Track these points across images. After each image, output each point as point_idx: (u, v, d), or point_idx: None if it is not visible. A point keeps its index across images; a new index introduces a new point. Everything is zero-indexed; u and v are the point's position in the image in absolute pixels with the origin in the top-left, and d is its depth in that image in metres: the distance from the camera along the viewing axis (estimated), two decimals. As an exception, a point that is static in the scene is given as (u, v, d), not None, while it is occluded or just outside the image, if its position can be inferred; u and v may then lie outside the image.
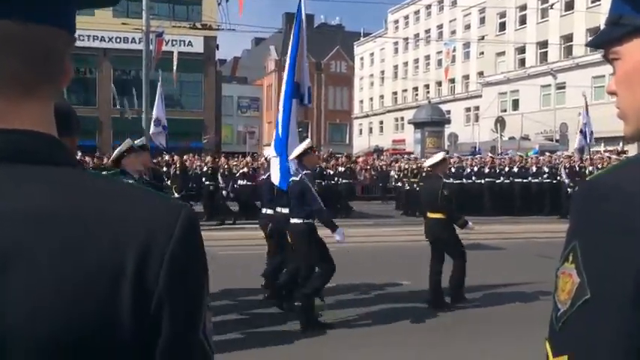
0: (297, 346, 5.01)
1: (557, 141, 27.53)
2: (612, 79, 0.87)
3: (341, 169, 18.59)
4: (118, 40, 30.16)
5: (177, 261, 0.67)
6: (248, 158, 19.53)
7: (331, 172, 18.04)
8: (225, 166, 18.63)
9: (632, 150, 18.63)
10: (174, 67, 25.32)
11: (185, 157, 20.99)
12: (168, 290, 0.66)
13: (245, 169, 17.16)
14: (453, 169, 16.78)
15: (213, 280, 0.73)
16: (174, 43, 26.92)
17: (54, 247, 0.64)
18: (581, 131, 14.62)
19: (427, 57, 47.45)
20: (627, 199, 0.70)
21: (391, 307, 6.19)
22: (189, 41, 30.80)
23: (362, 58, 57.76)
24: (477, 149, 25.54)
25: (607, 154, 17.69)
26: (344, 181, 18.08)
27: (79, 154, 16.46)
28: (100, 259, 0.65)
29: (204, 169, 17.54)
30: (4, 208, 0.65)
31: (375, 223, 15.03)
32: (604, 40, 0.86)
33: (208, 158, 18.26)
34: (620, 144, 22.87)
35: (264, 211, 6.91)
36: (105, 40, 29.55)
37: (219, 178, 16.81)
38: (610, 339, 0.68)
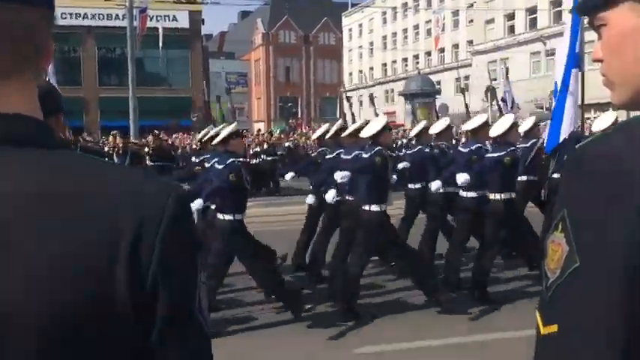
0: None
1: (547, 109, 27.48)
2: (597, 45, 0.85)
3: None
4: (102, 17, 29.55)
5: (170, 239, 0.69)
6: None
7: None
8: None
9: (621, 116, 18.62)
10: (160, 44, 24.88)
11: (175, 135, 20.82)
12: (163, 267, 0.68)
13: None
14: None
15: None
16: (158, 18, 26.42)
17: (46, 226, 0.65)
18: (502, 99, 14.06)
19: (416, 26, 46.94)
20: (616, 167, 0.70)
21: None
22: (174, 16, 30.24)
23: (350, 30, 57.09)
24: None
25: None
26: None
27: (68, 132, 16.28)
28: (94, 238, 0.66)
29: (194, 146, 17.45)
30: None
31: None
32: (590, 6, 0.84)
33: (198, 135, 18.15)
34: (610, 110, 22.92)
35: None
36: (88, 18, 28.97)
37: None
38: (598, 308, 0.69)
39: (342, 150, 6.11)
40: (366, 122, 6.00)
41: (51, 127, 0.75)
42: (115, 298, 0.66)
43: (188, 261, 0.72)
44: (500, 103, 13.64)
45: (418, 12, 44.74)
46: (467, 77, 39.06)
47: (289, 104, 49.48)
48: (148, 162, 14.43)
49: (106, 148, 14.52)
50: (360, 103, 53.82)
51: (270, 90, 54.43)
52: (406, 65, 48.16)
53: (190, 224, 0.74)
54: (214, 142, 5.37)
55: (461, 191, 5.69)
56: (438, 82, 33.09)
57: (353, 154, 5.55)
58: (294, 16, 54.17)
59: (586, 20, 0.87)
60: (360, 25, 55.47)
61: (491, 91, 26.73)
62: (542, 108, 28.29)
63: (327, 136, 6.87)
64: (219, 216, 4.92)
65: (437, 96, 28.42)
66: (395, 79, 46.62)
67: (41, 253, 0.64)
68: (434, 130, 7.02)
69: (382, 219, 5.07)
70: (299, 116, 45.50)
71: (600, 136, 0.78)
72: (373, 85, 51.97)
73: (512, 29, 35.84)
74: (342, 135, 6.30)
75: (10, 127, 0.69)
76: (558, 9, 32.03)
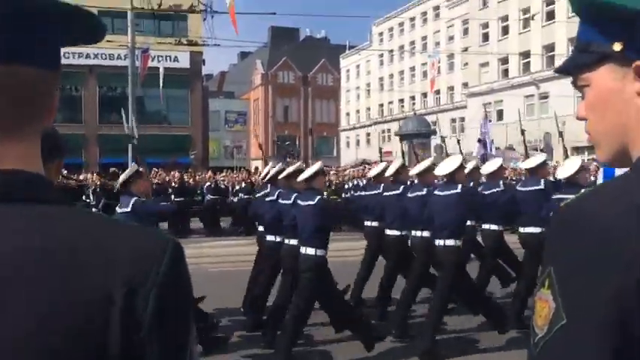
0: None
1: (541, 150, 27.82)
2: (581, 104, 0.87)
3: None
4: (104, 56, 30.09)
5: (165, 294, 0.69)
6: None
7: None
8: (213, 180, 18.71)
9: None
10: (160, 83, 25.31)
11: (172, 172, 20.90)
12: (156, 322, 0.68)
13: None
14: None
15: (206, 297, 0.76)
16: (160, 59, 26.94)
17: (38, 285, 0.65)
18: (479, 140, 14.35)
19: (412, 68, 47.88)
20: (600, 225, 0.71)
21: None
22: (175, 57, 30.83)
23: (348, 71, 58.13)
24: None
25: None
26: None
27: (65, 172, 16.37)
28: (89, 293, 0.66)
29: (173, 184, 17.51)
30: None
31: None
32: (573, 67, 0.87)
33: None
34: (575, 156, 23.31)
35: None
36: (90, 57, 29.48)
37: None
38: None
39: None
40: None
41: (50, 182, 0.76)
42: (108, 352, 0.66)
43: (182, 315, 0.72)
44: (477, 144, 13.88)
45: (414, 55, 45.73)
46: (462, 119, 39.64)
47: (287, 143, 49.92)
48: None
49: (90, 187, 14.47)
50: (357, 142, 54.36)
51: (269, 129, 54.99)
52: (402, 106, 48.87)
53: (185, 278, 0.74)
54: (301, 178, 5.34)
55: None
56: (434, 123, 33.52)
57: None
58: (293, 57, 55.26)
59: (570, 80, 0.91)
60: (358, 67, 56.52)
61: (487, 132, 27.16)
62: (536, 149, 28.62)
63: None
64: (304, 250, 4.98)
65: (433, 136, 28.76)
66: (391, 119, 47.25)
67: (33, 311, 0.64)
68: (485, 170, 7.24)
69: None
70: (296, 155, 45.81)
71: (585, 194, 0.78)
72: (370, 125, 52.59)
73: (506, 73, 36.59)
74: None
75: (9, 184, 0.70)
76: (551, 54, 32.82)
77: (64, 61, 0.81)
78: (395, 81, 50.34)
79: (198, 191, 18.80)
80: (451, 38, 42.86)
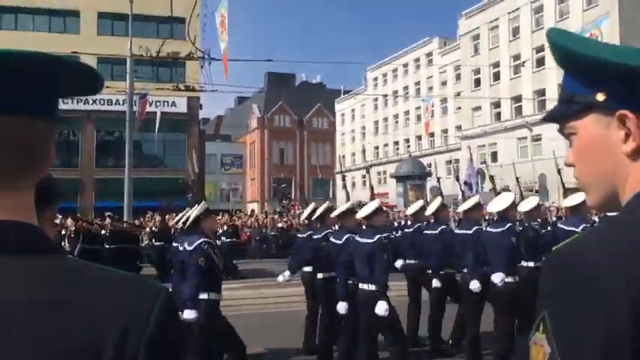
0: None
1: (536, 191, 28.00)
2: (569, 151, 0.90)
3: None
4: (102, 102, 30.48)
5: (156, 345, 0.69)
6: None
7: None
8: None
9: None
10: (157, 127, 25.57)
11: (168, 215, 20.82)
12: None
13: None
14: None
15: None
16: (157, 104, 27.32)
17: (27, 337, 0.65)
18: (465, 183, 14.42)
19: (406, 112, 48.57)
20: (591, 267, 0.72)
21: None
22: (173, 102, 31.25)
23: (343, 115, 58.88)
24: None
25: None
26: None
27: (59, 217, 16.30)
28: (79, 346, 0.66)
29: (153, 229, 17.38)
30: None
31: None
32: (559, 116, 0.90)
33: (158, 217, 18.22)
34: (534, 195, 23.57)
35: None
36: (88, 103, 29.85)
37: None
38: None
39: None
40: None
41: (43, 232, 0.75)
42: None
43: None
44: (463, 187, 13.98)
45: (408, 99, 46.49)
46: (457, 160, 39.98)
47: (283, 185, 50.07)
48: (105, 245, 14.14)
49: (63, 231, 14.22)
50: (353, 184, 54.47)
51: (265, 171, 55.20)
52: (397, 148, 49.32)
53: (176, 328, 0.73)
54: (360, 215, 5.45)
55: None
56: (429, 165, 33.83)
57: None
58: (289, 101, 56.04)
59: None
60: (353, 111, 57.28)
61: (481, 173, 27.39)
62: (531, 190, 28.81)
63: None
64: (363, 286, 5.04)
65: (428, 178, 28.97)
66: (387, 162, 47.57)
67: None
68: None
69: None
70: (292, 197, 45.87)
71: (577, 238, 0.80)
72: (365, 168, 52.87)
73: (498, 116, 37.16)
74: (331, 215, 6.52)
75: (5, 235, 0.70)
76: (542, 98, 33.45)
77: (61, 106, 0.82)
78: (390, 124, 50.97)
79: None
80: (444, 83, 43.68)
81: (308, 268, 6.70)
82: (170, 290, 0.76)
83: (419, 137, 45.46)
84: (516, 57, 34.90)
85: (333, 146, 58.57)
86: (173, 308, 0.74)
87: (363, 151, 49.41)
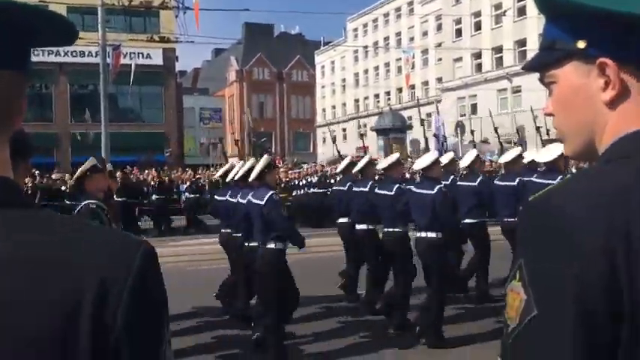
0: None
1: (514, 144, 28.29)
2: (549, 100, 0.90)
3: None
4: (74, 54, 29.53)
5: (135, 298, 0.68)
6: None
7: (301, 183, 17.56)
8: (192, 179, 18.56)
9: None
10: (131, 80, 24.95)
11: (147, 170, 20.65)
12: (127, 327, 0.67)
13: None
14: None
15: (183, 297, 0.74)
16: (132, 55, 26.53)
17: (8, 289, 0.65)
18: (435, 135, 14.54)
19: (387, 64, 48.12)
20: (567, 217, 0.73)
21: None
22: (148, 54, 30.42)
23: (323, 67, 58.13)
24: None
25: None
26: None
27: (37, 172, 16.01)
28: (58, 299, 0.65)
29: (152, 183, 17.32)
30: None
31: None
32: (539, 64, 0.90)
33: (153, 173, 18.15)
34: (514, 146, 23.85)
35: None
36: (60, 55, 28.91)
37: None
38: (557, 356, 0.71)
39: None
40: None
41: (19, 185, 0.75)
42: (78, 357, 0.65)
43: (154, 318, 0.71)
44: (432, 138, 13.93)
45: (388, 51, 45.95)
46: (429, 115, 40.06)
47: (263, 139, 49.75)
48: (67, 201, 13.92)
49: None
50: (333, 138, 54.34)
51: (244, 125, 54.72)
52: (378, 101, 49.10)
53: (157, 281, 0.73)
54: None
55: None
56: (410, 118, 33.81)
57: None
58: (268, 53, 55.00)
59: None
60: (333, 63, 56.56)
61: (460, 126, 27.48)
62: (510, 143, 29.09)
63: (357, 169, 6.94)
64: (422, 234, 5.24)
65: (408, 131, 28.99)
66: (367, 115, 47.40)
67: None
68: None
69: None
70: (273, 151, 45.70)
71: (553, 187, 0.81)
72: (346, 121, 52.70)
73: (479, 67, 37.04)
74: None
75: None
76: (523, 49, 33.33)
77: (33, 58, 0.79)
78: (370, 77, 50.53)
79: (175, 189, 18.65)
80: (425, 34, 43.17)
81: (344, 220, 6.82)
82: (151, 245, 0.73)
83: (399, 90, 45.25)
84: (497, 6, 34.51)
85: (313, 99, 58.08)
86: (154, 261, 0.73)
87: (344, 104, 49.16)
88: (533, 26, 32.02)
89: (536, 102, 30.04)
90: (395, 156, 6.23)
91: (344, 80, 53.73)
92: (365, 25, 50.98)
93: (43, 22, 0.75)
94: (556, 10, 0.85)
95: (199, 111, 52.48)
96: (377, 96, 49.69)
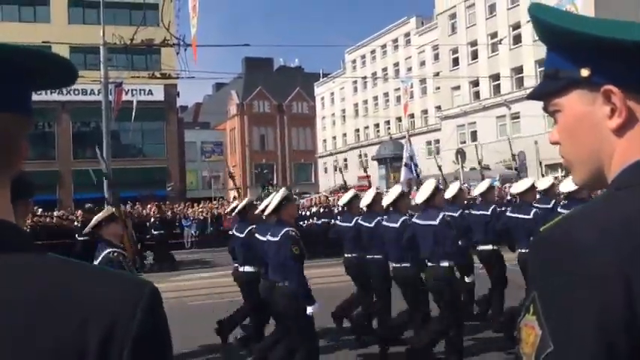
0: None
1: (516, 169, 28.31)
2: (554, 129, 0.89)
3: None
4: (76, 92, 29.91)
5: (141, 341, 0.68)
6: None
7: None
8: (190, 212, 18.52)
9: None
10: (133, 116, 25.21)
11: (149, 205, 20.67)
12: None
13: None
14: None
15: (187, 331, 0.75)
16: (134, 92, 26.87)
17: (11, 334, 0.64)
18: (405, 165, 14.39)
19: (386, 94, 48.56)
20: (579, 246, 0.71)
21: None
22: (150, 90, 30.80)
23: (322, 98, 58.69)
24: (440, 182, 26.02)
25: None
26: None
27: (39, 210, 16.06)
28: (62, 344, 0.65)
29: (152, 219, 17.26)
30: None
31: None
32: (543, 93, 0.88)
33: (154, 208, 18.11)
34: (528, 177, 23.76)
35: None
36: (63, 93, 29.24)
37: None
38: None
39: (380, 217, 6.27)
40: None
41: (20, 228, 0.75)
42: None
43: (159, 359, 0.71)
44: (403, 169, 13.70)
45: (387, 81, 46.45)
46: (437, 141, 40.21)
47: (265, 171, 49.87)
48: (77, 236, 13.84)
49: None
50: (335, 168, 54.52)
51: (246, 158, 54.95)
52: (378, 130, 49.38)
53: (162, 326, 0.72)
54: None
55: None
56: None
57: None
58: (268, 86, 55.62)
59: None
60: (332, 94, 57.11)
61: (460, 153, 27.57)
62: (511, 168, 29.13)
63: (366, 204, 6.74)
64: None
65: (409, 160, 29.04)
66: (368, 144, 47.61)
67: None
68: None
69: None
70: (275, 182, 45.76)
71: (564, 218, 0.79)
72: (346, 151, 52.91)
73: (477, 95, 37.36)
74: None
75: None
76: (520, 75, 33.68)
77: (36, 97, 0.80)
78: (369, 107, 50.94)
79: (177, 223, 18.66)
80: (422, 63, 43.69)
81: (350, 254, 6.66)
82: (155, 287, 0.74)
83: (399, 119, 45.53)
84: (493, 35, 35.02)
85: (313, 130, 58.44)
86: (158, 303, 0.72)
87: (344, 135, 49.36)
88: (529, 53, 32.42)
89: (536, 128, 30.25)
90: (397, 189, 6.06)
91: (344, 111, 54.16)
92: (363, 57, 51.66)
93: (45, 65, 0.76)
94: (558, 39, 0.83)
95: (201, 145, 52.82)
96: (377, 125, 50.00)
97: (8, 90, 0.72)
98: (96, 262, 4.43)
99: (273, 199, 5.06)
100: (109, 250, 4.34)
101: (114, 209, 4.73)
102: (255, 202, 7.14)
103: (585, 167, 0.85)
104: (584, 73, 0.81)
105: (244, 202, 6.58)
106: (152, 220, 17.11)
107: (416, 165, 14.32)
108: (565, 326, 0.69)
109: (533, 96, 0.90)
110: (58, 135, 30.88)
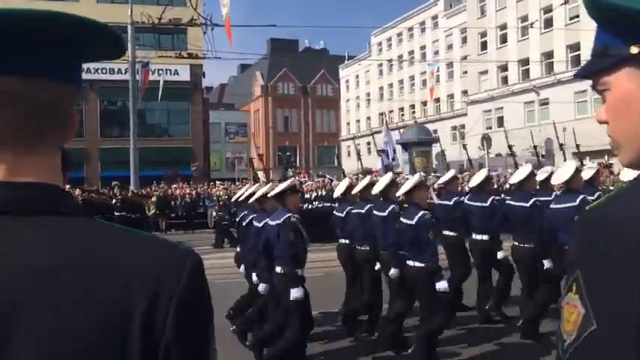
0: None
1: (542, 156, 27.83)
2: (602, 107, 0.87)
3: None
4: (104, 71, 30.25)
5: (184, 309, 0.70)
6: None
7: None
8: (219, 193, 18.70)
9: (617, 163, 18.82)
10: (159, 96, 25.41)
11: (174, 185, 20.97)
12: (176, 337, 0.69)
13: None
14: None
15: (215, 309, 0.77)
16: (160, 72, 27.06)
17: (59, 298, 0.66)
18: (383, 151, 13.90)
19: (412, 77, 48.01)
20: (620, 228, 0.71)
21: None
22: (176, 70, 30.97)
23: (347, 81, 58.32)
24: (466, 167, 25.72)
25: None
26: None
27: (68, 186, 16.42)
28: (108, 308, 0.67)
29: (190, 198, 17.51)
30: (8, 262, 0.67)
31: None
32: (592, 71, 0.86)
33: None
34: (606, 157, 23.14)
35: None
36: (91, 72, 29.61)
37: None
38: None
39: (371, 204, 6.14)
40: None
41: (70, 194, 0.77)
42: None
43: (202, 328, 0.72)
44: (381, 155, 13.16)
45: (413, 64, 45.89)
46: (462, 126, 39.69)
47: (288, 153, 49.94)
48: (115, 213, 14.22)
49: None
50: (358, 152, 54.30)
51: (270, 140, 55.09)
52: (403, 115, 48.94)
53: (204, 292, 0.74)
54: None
55: None
56: (435, 131, 33.58)
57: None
58: (293, 68, 55.45)
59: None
60: (357, 77, 56.69)
61: (487, 139, 27.17)
62: (537, 155, 28.65)
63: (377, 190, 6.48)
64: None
65: (434, 144, 28.77)
66: (392, 128, 47.26)
67: (52, 327, 0.65)
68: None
69: None
70: (297, 165, 45.83)
71: (608, 197, 0.78)
72: (371, 134, 52.66)
73: (505, 80, 36.67)
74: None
75: (30, 196, 0.71)
76: (550, 60, 32.91)
77: None
78: (394, 90, 50.45)
79: (200, 203, 18.86)
80: (450, 47, 43.00)
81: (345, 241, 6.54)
82: (198, 255, 0.76)
83: (424, 103, 45.03)
84: (524, 18, 34.20)
85: (337, 113, 58.21)
86: (201, 272, 0.74)
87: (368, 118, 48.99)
88: (560, 38, 31.63)
89: (564, 114, 29.60)
90: (415, 179, 5.43)
91: (368, 94, 53.77)
92: (389, 39, 51.06)
93: (96, 34, 0.76)
94: (607, 15, 0.81)
95: (225, 126, 53.12)
96: (402, 109, 49.55)
97: (56, 58, 0.73)
98: (273, 223, 4.88)
99: (280, 185, 5.27)
100: (288, 215, 4.79)
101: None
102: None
103: (632, 147, 0.83)
104: (634, 50, 0.78)
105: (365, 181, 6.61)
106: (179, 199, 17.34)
107: (394, 150, 13.96)
108: (608, 305, 0.69)
109: (582, 74, 0.89)
110: (86, 113, 31.31)
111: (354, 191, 6.60)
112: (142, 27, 19.81)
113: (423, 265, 4.81)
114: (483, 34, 37.87)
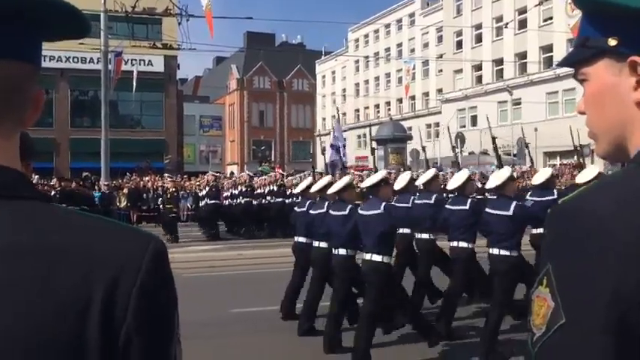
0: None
1: (514, 155, 28.31)
2: (582, 99, 0.88)
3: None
4: (76, 60, 29.60)
5: (146, 295, 0.67)
6: (209, 175, 19.10)
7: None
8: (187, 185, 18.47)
9: (588, 163, 19.22)
10: (134, 87, 24.98)
11: (147, 177, 20.65)
12: (137, 325, 0.66)
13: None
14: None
15: (181, 304, 0.72)
16: (133, 62, 26.60)
17: (18, 283, 0.64)
18: (331, 146, 13.92)
19: (387, 74, 48.26)
20: (596, 222, 0.70)
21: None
22: (150, 60, 30.49)
23: (324, 77, 58.31)
24: (439, 165, 26.00)
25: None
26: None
27: (36, 177, 15.97)
28: (66, 294, 0.65)
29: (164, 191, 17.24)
30: None
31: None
32: (572, 61, 0.88)
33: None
34: (575, 157, 23.58)
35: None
36: (62, 60, 28.96)
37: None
38: None
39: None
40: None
41: (28, 178, 0.74)
42: (87, 356, 0.64)
43: (165, 316, 0.70)
44: (328, 150, 12.94)
45: (389, 61, 46.13)
46: (437, 124, 40.09)
47: (263, 148, 49.70)
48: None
49: None
50: (323, 149, 54.33)
51: (244, 133, 54.75)
52: (378, 111, 49.18)
53: (169, 280, 0.71)
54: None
55: None
56: (410, 128, 33.85)
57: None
58: (269, 62, 55.14)
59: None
60: (333, 72, 56.73)
61: (460, 137, 27.49)
62: (509, 154, 29.11)
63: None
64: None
65: (408, 141, 29.02)
66: (367, 125, 47.48)
67: (8, 310, 0.63)
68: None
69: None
70: (272, 159, 45.69)
71: (581, 191, 0.78)
72: (345, 131, 52.77)
73: (479, 79, 37.16)
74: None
75: None
76: (523, 61, 33.45)
77: None
78: (370, 87, 50.65)
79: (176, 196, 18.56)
80: (426, 45, 43.35)
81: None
82: (162, 240, 0.73)
83: (399, 100, 45.33)
84: (499, 19, 34.67)
85: (313, 108, 58.16)
86: (164, 257, 0.72)
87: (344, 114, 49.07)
88: (534, 39, 32.17)
89: (537, 115, 30.13)
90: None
91: (344, 90, 53.85)
92: (366, 36, 51.20)
93: (54, 11, 0.73)
94: (590, 6, 0.83)
95: (199, 119, 52.57)
96: (377, 106, 49.79)
97: (11, 35, 0.70)
98: (369, 213, 4.98)
99: (338, 182, 5.71)
100: (352, 206, 5.27)
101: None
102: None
103: (608, 139, 0.83)
104: (612, 42, 0.79)
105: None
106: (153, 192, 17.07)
107: (344, 146, 13.85)
108: (578, 299, 0.69)
109: (563, 63, 0.90)
110: (56, 102, 30.62)
111: (313, 190, 6.59)
112: (116, 15, 19.41)
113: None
114: (459, 34, 38.28)
